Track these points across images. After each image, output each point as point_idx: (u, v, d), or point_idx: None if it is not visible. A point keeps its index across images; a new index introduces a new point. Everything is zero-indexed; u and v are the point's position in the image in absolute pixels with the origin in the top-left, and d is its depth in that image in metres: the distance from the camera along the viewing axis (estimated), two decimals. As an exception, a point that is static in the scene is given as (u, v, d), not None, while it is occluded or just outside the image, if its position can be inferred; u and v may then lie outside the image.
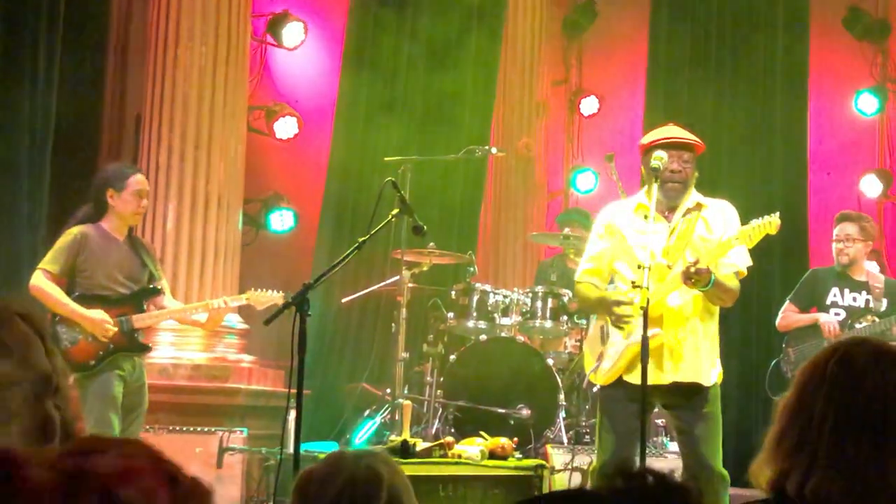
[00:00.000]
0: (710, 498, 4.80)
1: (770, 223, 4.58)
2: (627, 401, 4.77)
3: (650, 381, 4.63)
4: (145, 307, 5.67)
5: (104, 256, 5.57)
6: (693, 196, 4.93)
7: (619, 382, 4.86)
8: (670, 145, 4.87)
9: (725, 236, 4.73)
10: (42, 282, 5.48)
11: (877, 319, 6.58)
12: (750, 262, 4.87)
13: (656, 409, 6.36)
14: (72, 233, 5.57)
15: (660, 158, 4.81)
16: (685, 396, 4.83)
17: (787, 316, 6.86)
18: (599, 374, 4.95)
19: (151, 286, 5.73)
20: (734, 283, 4.82)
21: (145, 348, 5.72)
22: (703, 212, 4.89)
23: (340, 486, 2.36)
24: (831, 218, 7.24)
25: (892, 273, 9.14)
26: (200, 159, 7.40)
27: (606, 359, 4.91)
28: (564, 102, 10.83)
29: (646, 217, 4.78)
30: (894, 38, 9.94)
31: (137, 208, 5.68)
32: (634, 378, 4.72)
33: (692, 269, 4.56)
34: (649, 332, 4.61)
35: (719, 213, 4.92)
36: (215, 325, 6.08)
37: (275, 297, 5.85)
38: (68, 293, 5.49)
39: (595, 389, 7.34)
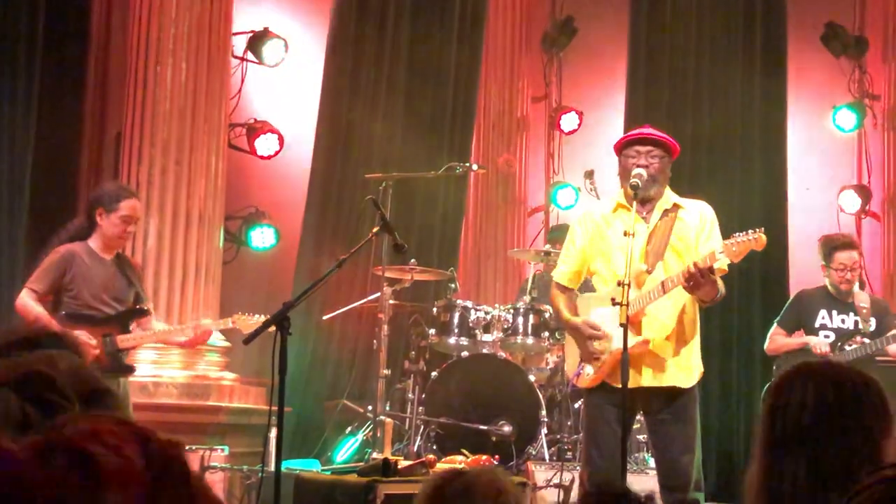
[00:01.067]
0: None
1: (756, 240, 4.61)
2: (611, 406, 4.80)
3: (632, 384, 4.68)
4: (131, 328, 5.65)
5: (90, 276, 5.55)
6: (669, 197, 4.98)
7: (603, 386, 4.89)
8: (638, 141, 4.95)
9: (704, 243, 4.76)
10: (27, 301, 5.46)
11: (866, 341, 6.56)
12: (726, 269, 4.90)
13: (638, 423, 6.40)
14: (59, 251, 5.55)
15: (639, 177, 4.85)
16: (665, 400, 4.86)
17: (775, 339, 6.82)
18: (583, 378, 4.98)
19: (138, 307, 5.70)
20: (722, 290, 4.85)
21: (129, 369, 5.70)
22: (679, 213, 4.94)
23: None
24: (811, 233, 7.27)
25: (871, 289, 9.19)
26: (181, 176, 7.38)
27: (590, 364, 4.93)
28: (545, 118, 10.86)
29: (625, 234, 4.79)
30: (872, 54, 10.02)
31: (122, 233, 5.66)
32: (615, 381, 4.76)
33: (693, 270, 4.57)
34: (634, 341, 4.65)
35: (696, 214, 4.96)
36: (195, 346, 6.06)
37: (260, 321, 5.82)
38: (54, 311, 5.46)
39: (577, 406, 7.38)
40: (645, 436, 7.07)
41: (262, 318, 5.78)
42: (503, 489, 2.34)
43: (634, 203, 4.82)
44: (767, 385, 2.31)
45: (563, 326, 5.25)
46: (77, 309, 5.50)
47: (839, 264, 6.64)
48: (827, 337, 6.64)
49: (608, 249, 4.94)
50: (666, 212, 4.93)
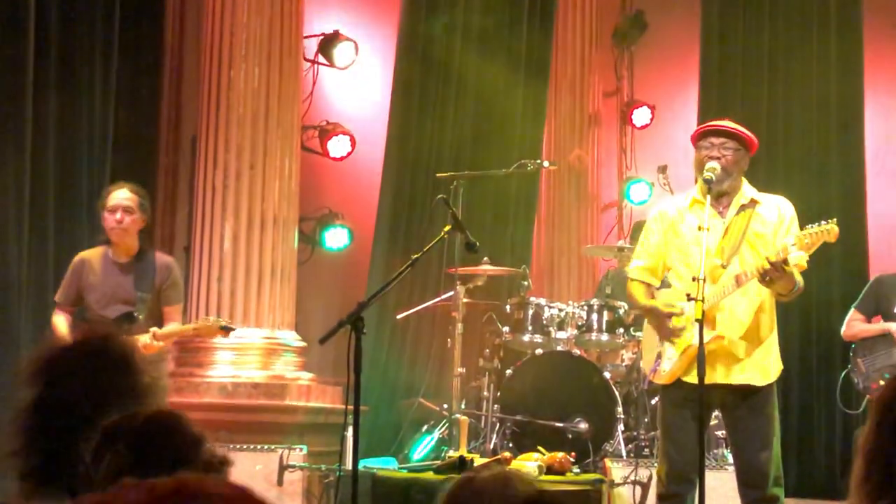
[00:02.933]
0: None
1: (829, 230, 4.53)
2: (687, 402, 4.75)
3: (706, 381, 4.63)
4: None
5: (97, 282, 5.65)
6: (746, 191, 4.90)
7: (679, 383, 4.85)
8: (712, 132, 4.88)
9: (782, 238, 4.69)
10: (54, 319, 5.67)
11: None
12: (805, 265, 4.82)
13: (716, 419, 6.32)
14: (73, 261, 5.71)
15: (712, 170, 4.80)
16: (741, 397, 4.82)
17: (853, 325, 6.74)
18: (659, 374, 4.94)
19: (131, 313, 5.67)
20: (801, 284, 4.77)
21: None
22: (757, 208, 4.86)
23: None
24: (891, 221, 7.13)
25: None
26: (256, 179, 7.47)
27: (666, 359, 4.89)
28: (616, 113, 10.80)
29: (699, 228, 4.74)
30: (950, 39, 9.80)
31: (114, 224, 5.65)
32: (691, 378, 4.73)
33: (767, 266, 4.51)
34: (708, 336, 4.61)
35: (774, 209, 4.88)
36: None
37: (219, 322, 5.76)
38: (83, 316, 5.62)
39: (654, 402, 7.32)
40: (723, 432, 7.00)
41: (217, 320, 5.82)
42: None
43: (708, 197, 4.77)
44: (881, 392, 2.06)
45: (641, 312, 5.18)
46: (86, 315, 5.63)
47: None
48: None
49: (683, 245, 4.89)
50: (743, 206, 4.86)
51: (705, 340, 4.56)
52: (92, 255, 5.68)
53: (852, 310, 6.79)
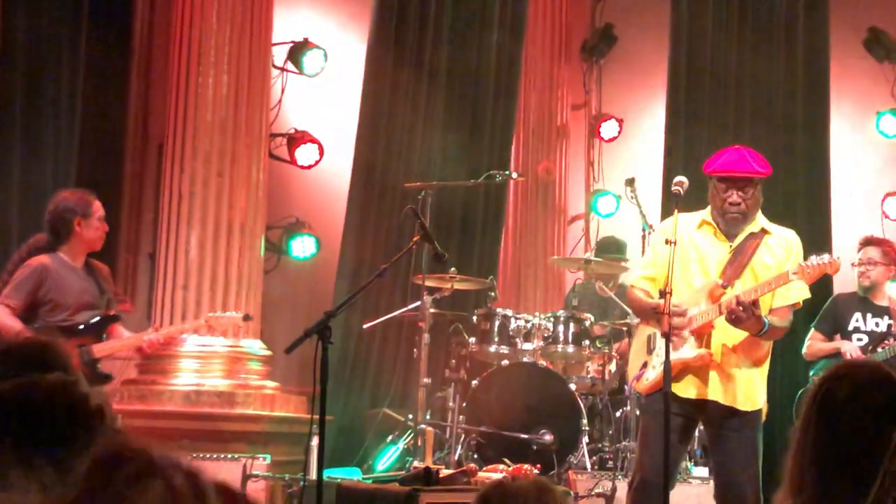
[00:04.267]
0: None
1: (831, 263, 4.55)
2: (671, 413, 4.72)
3: (692, 395, 4.73)
4: (105, 336, 5.68)
5: (65, 287, 5.57)
6: (759, 221, 4.90)
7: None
8: (729, 179, 4.81)
9: (785, 267, 4.69)
10: (3, 317, 5.46)
11: None
12: (808, 295, 4.83)
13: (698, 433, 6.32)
14: (30, 265, 5.55)
15: (680, 184, 4.83)
16: (726, 416, 4.82)
17: (812, 345, 6.90)
18: (643, 382, 4.94)
19: (112, 313, 5.72)
20: (784, 322, 4.80)
21: (106, 378, 5.71)
22: (766, 238, 4.86)
23: None
24: (855, 240, 7.22)
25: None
26: (223, 187, 7.44)
27: (651, 369, 4.89)
28: (584, 126, 10.84)
29: (667, 242, 4.75)
30: (915, 59, 9.91)
31: (103, 234, 5.73)
32: (678, 390, 4.73)
33: (735, 305, 4.53)
34: (695, 353, 4.69)
35: (783, 243, 4.88)
36: (153, 349, 5.98)
37: (234, 318, 6.04)
38: (29, 324, 5.46)
39: (618, 414, 7.34)
40: (699, 447, 7.04)
41: (236, 314, 6.11)
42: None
43: (675, 227, 4.78)
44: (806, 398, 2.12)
45: (643, 314, 5.12)
46: (53, 322, 5.52)
47: (857, 260, 6.90)
48: (860, 340, 6.74)
49: (686, 263, 4.88)
50: (752, 234, 4.86)
51: (692, 356, 4.64)
52: (48, 261, 5.59)
53: (812, 329, 6.94)
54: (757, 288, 4.66)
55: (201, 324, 6.18)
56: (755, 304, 4.56)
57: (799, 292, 4.78)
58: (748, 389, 4.82)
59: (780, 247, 4.86)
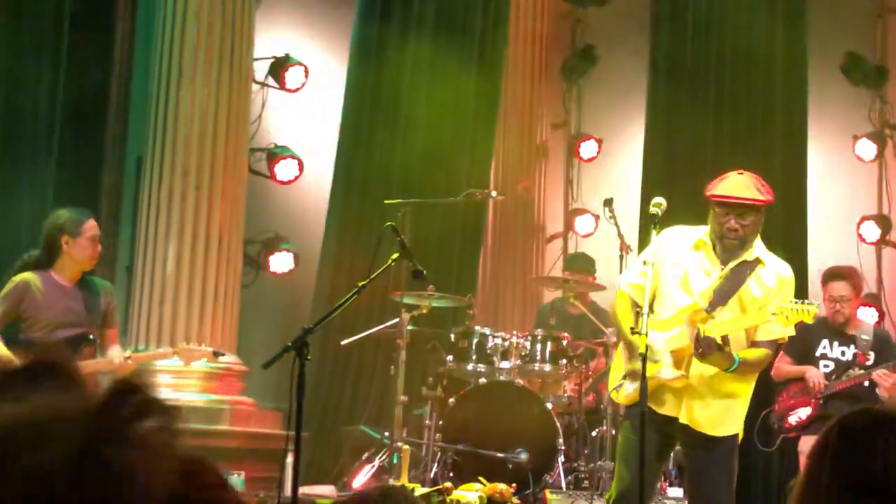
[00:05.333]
0: None
1: (808, 311, 4.49)
2: (650, 430, 4.64)
3: (670, 412, 4.72)
4: (96, 351, 5.65)
5: (47, 305, 5.57)
6: (755, 250, 4.79)
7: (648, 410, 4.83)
8: (728, 204, 4.73)
9: (770, 303, 4.62)
10: None
11: (861, 372, 6.62)
12: (792, 332, 4.77)
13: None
14: (14, 281, 5.60)
15: (658, 205, 4.82)
16: (702, 439, 4.78)
17: (780, 367, 6.90)
18: (622, 393, 4.91)
19: (85, 335, 5.65)
20: (762, 356, 4.76)
21: None
22: (759, 269, 4.75)
23: None
24: (830, 263, 7.25)
25: (892, 320, 9.14)
26: (201, 201, 7.42)
27: (631, 381, 4.84)
28: (564, 146, 10.87)
29: (644, 262, 4.75)
30: (892, 83, 9.99)
31: (94, 253, 5.71)
32: (656, 406, 4.72)
33: (700, 337, 4.51)
34: (672, 375, 4.67)
35: (774, 275, 4.77)
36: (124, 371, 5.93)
37: (206, 352, 5.98)
38: (8, 339, 5.47)
39: (594, 433, 7.34)
40: (673, 467, 7.04)
41: (207, 349, 6.00)
42: None
43: (650, 247, 4.79)
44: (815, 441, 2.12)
45: (621, 338, 5.10)
46: (31, 338, 5.52)
47: (828, 296, 6.76)
48: (826, 367, 6.77)
49: (671, 281, 4.82)
50: (745, 262, 4.75)
51: (671, 377, 4.63)
52: (33, 278, 5.59)
53: (781, 352, 6.94)
54: (730, 323, 4.63)
55: (170, 353, 6.12)
56: (724, 340, 4.52)
57: (783, 329, 4.68)
58: (724, 415, 4.78)
59: (770, 278, 4.76)
